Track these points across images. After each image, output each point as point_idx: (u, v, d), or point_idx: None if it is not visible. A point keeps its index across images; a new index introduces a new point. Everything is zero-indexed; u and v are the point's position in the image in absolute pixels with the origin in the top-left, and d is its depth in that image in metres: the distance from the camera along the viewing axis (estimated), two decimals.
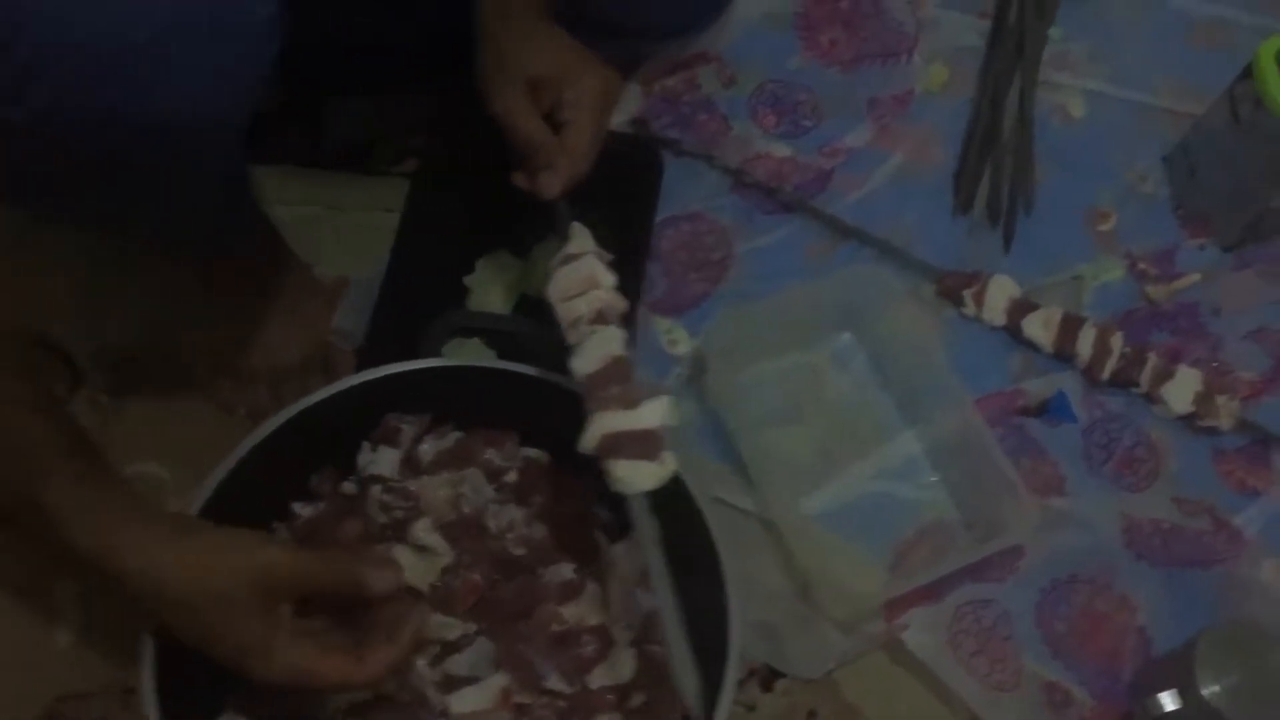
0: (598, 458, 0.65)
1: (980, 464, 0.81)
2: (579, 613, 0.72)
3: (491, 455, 0.76)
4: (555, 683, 0.69)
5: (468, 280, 0.89)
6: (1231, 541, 0.84)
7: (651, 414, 0.64)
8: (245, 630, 0.59)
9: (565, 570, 0.73)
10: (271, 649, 0.59)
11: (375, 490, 0.73)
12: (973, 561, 0.81)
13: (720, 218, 0.95)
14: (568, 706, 0.69)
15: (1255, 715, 0.72)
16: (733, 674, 0.66)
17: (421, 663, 0.69)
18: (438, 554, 0.71)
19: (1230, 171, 0.93)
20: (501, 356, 0.81)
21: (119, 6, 0.53)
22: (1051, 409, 0.89)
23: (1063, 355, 0.90)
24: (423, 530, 0.71)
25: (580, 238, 0.71)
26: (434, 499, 0.73)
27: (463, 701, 0.67)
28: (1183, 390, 0.88)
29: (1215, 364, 0.91)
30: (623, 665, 0.71)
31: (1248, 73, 0.89)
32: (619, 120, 0.97)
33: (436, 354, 0.79)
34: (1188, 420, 0.88)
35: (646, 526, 0.65)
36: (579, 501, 0.76)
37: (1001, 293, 0.91)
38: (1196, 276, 0.94)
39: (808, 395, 0.89)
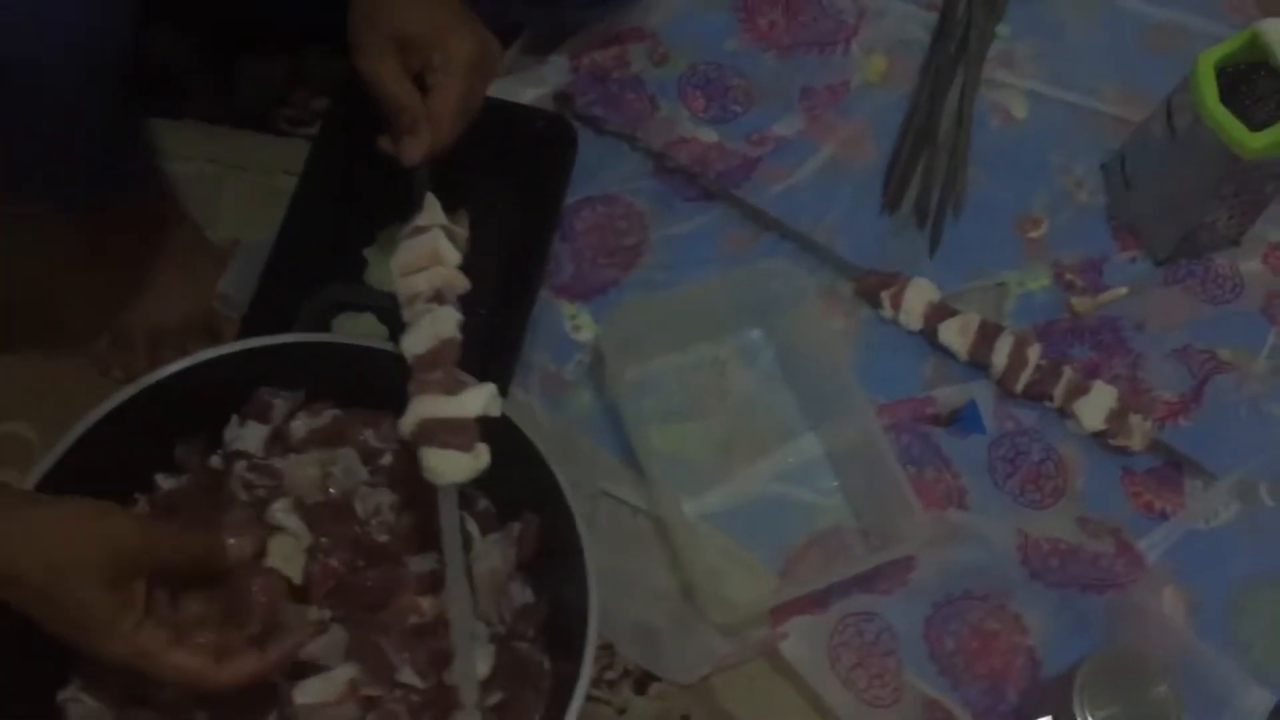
0: (412, 444, 0.62)
1: (876, 472, 0.79)
2: (440, 605, 0.69)
3: (368, 436, 0.74)
4: (408, 676, 0.67)
5: (367, 252, 0.86)
6: (1131, 565, 0.82)
7: (473, 403, 0.62)
8: (87, 605, 0.56)
9: (430, 560, 0.70)
10: (115, 627, 0.56)
11: (239, 466, 0.71)
12: (862, 571, 0.78)
13: (637, 201, 0.92)
14: (420, 701, 0.67)
15: None
16: (586, 674, 0.64)
17: None
18: (295, 536, 0.68)
19: (1165, 184, 0.90)
20: (395, 334, 0.78)
21: None
22: (961, 419, 0.86)
23: (977, 364, 0.87)
24: (281, 511, 0.69)
25: (431, 210, 0.68)
26: (300, 478, 0.71)
27: (306, 692, 0.65)
28: (1096, 407, 0.85)
29: (1134, 381, 0.88)
30: (480, 661, 0.68)
31: (1187, 83, 0.86)
32: (539, 94, 0.94)
33: (317, 328, 0.76)
34: (1099, 438, 0.86)
35: (451, 520, 0.63)
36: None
37: (920, 296, 0.88)
38: (1123, 290, 0.92)
39: (711, 391, 0.86)
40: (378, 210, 0.85)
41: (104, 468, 0.67)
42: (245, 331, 0.78)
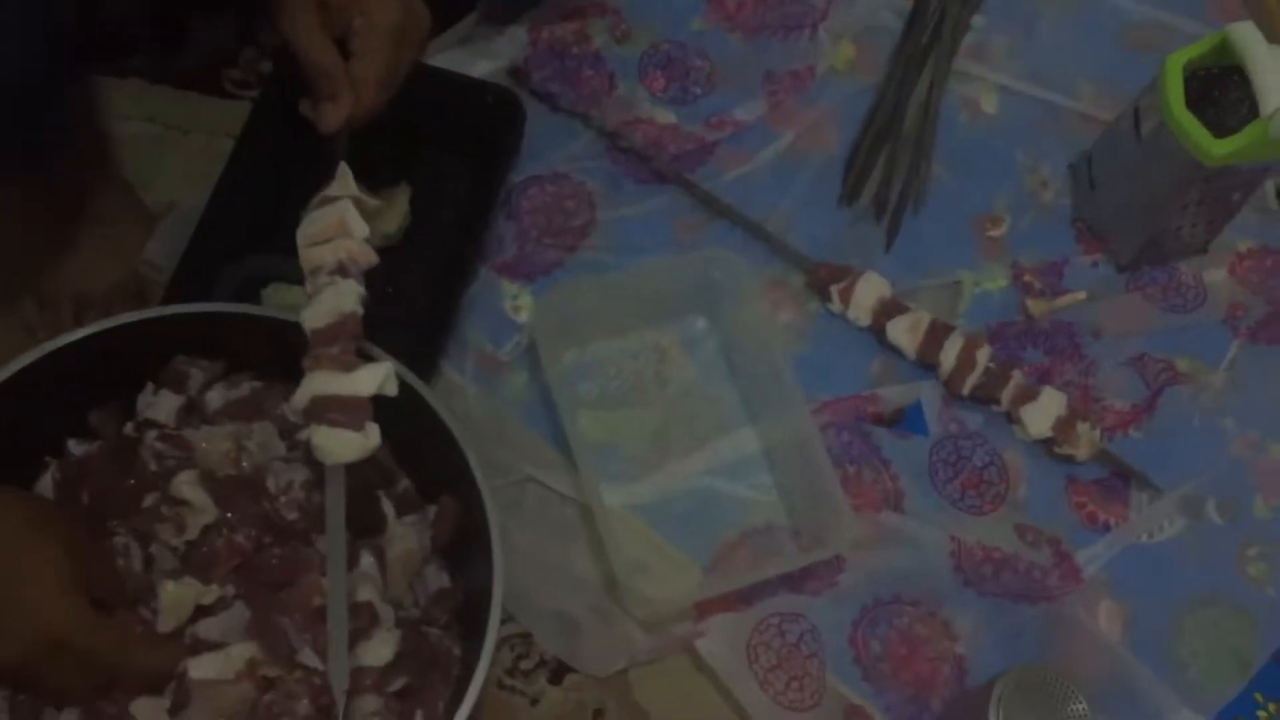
0: (304, 420, 0.61)
1: (809, 470, 0.77)
2: (351, 585, 0.68)
3: (286, 410, 0.72)
4: (309, 657, 0.65)
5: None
6: (1066, 578, 0.80)
7: (367, 381, 0.60)
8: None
9: None
10: None
11: (150, 436, 0.69)
12: (789, 571, 0.77)
13: (588, 181, 0.90)
14: (321, 684, 0.65)
15: None
16: (485, 660, 0.63)
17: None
18: (198, 510, 0.67)
19: (1130, 187, 0.88)
20: None
21: None
22: (904, 420, 0.84)
23: (925, 364, 0.85)
24: (185, 483, 0.67)
25: (343, 180, 0.66)
26: (210, 451, 0.69)
27: (201, 668, 0.64)
28: (1044, 413, 0.83)
29: (1085, 389, 0.86)
30: (384, 646, 0.67)
31: (1155, 84, 0.83)
32: (495, 67, 0.92)
33: (243, 298, 0.75)
34: (1045, 445, 0.84)
35: (336, 500, 0.62)
36: (372, 470, 0.72)
37: (871, 291, 0.86)
38: (1082, 295, 0.89)
39: (650, 379, 0.84)
40: (318, 179, 0.84)
41: (11, 431, 0.65)
42: (168, 298, 0.77)
